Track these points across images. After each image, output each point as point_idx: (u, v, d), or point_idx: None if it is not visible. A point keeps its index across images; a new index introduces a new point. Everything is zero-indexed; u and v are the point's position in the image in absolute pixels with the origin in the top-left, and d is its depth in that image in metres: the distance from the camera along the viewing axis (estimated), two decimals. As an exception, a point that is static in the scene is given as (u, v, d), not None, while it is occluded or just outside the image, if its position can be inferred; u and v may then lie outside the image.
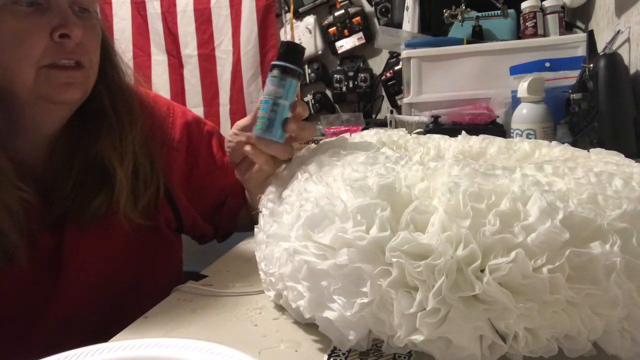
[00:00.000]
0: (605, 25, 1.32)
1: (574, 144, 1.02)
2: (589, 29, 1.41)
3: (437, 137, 0.73)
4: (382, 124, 1.77)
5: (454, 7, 1.49)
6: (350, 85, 2.24)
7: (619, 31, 1.14)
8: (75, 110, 0.74)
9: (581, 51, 1.26)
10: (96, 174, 0.74)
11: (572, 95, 1.08)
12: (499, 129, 1.20)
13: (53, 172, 0.74)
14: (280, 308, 0.56)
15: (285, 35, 2.33)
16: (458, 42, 1.43)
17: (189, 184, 0.89)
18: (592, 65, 1.00)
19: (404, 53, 1.43)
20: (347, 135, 0.69)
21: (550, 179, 0.47)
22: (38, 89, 0.68)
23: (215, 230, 0.95)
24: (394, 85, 2.12)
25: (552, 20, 1.44)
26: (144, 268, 0.82)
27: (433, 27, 1.68)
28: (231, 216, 0.93)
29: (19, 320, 0.73)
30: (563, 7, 1.46)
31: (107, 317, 0.73)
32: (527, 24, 1.44)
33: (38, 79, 0.67)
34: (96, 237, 0.76)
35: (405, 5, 1.77)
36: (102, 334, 0.50)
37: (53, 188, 0.73)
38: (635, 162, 0.55)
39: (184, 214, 0.88)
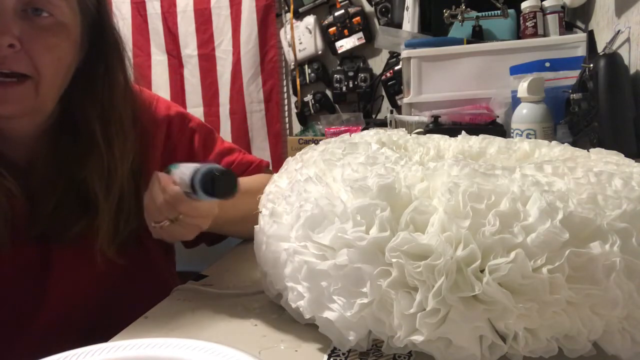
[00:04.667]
0: (605, 25, 1.32)
1: (574, 144, 1.02)
2: (589, 29, 1.41)
3: (437, 137, 0.73)
4: (382, 124, 1.77)
5: (454, 7, 1.49)
6: (350, 85, 2.24)
7: (619, 31, 1.13)
8: (62, 124, 0.70)
9: (581, 51, 1.26)
10: (79, 199, 0.70)
11: (572, 95, 1.08)
12: (499, 129, 1.20)
13: (36, 180, 0.71)
14: (280, 308, 0.56)
15: (285, 35, 2.33)
16: (458, 42, 1.43)
17: None
18: (592, 65, 1.00)
19: (404, 53, 1.43)
20: (347, 135, 0.69)
21: (550, 179, 0.47)
22: None
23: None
24: (394, 85, 2.12)
25: (552, 20, 1.44)
26: (130, 279, 0.78)
27: (433, 27, 1.68)
28: None
29: (2, 329, 0.71)
30: (563, 7, 1.46)
31: (93, 325, 0.71)
32: (527, 24, 1.44)
33: None
34: (81, 253, 0.72)
35: (405, 5, 1.77)
36: (88, 342, 0.49)
37: (36, 199, 0.70)
38: (635, 162, 0.55)
39: None
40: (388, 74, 2.14)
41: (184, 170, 0.56)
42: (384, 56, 2.23)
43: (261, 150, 2.44)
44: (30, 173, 0.71)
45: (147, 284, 0.78)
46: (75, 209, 0.70)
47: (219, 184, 0.52)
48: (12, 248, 0.68)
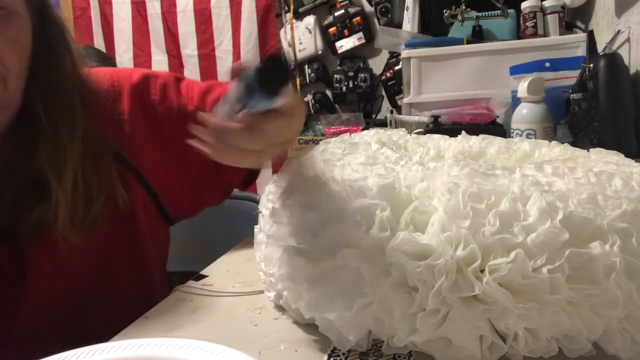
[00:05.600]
0: (605, 25, 1.32)
1: (574, 144, 1.02)
2: (589, 29, 1.41)
3: (437, 137, 0.73)
4: (382, 124, 1.78)
5: (454, 7, 1.49)
6: (350, 85, 2.24)
7: (619, 31, 1.14)
8: (17, 115, 0.68)
9: (581, 51, 1.26)
10: (35, 187, 0.67)
11: (572, 95, 1.08)
12: (499, 129, 1.20)
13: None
14: (280, 308, 0.56)
15: (285, 35, 2.33)
16: (458, 42, 1.43)
17: (166, 152, 0.76)
18: (592, 65, 1.00)
19: (404, 53, 1.43)
20: (347, 135, 0.69)
21: (550, 179, 0.47)
22: None
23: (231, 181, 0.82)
24: (394, 85, 2.12)
25: (552, 20, 1.44)
26: (113, 271, 0.75)
27: (433, 27, 1.68)
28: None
29: None
30: (563, 7, 1.46)
31: (77, 325, 0.70)
32: (527, 24, 1.44)
33: None
34: (53, 247, 0.68)
35: (405, 5, 1.77)
36: (74, 343, 0.48)
37: None
38: (635, 162, 0.55)
39: (162, 193, 0.77)
40: (388, 74, 2.14)
41: (226, 96, 0.50)
42: (384, 56, 2.23)
43: (261, 150, 2.44)
44: None
45: (130, 275, 0.75)
46: (31, 198, 0.67)
47: (275, 72, 0.47)
48: None
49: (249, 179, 0.83)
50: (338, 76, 2.25)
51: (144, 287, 0.79)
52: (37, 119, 0.67)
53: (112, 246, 0.73)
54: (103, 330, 0.55)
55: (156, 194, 0.77)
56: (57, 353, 0.44)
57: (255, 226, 0.61)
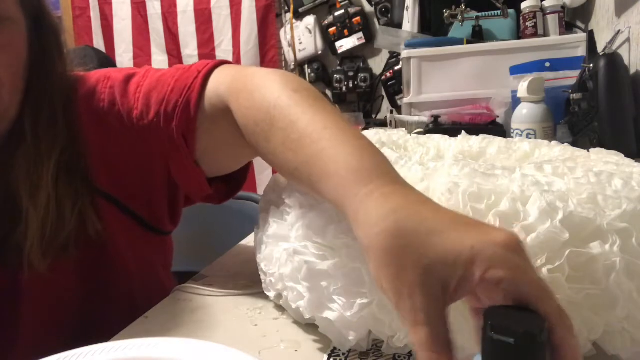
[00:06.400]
0: (605, 25, 1.32)
1: (574, 144, 1.02)
2: (589, 29, 1.41)
3: (437, 137, 0.73)
4: (382, 124, 1.78)
5: (454, 7, 1.49)
6: (350, 85, 2.24)
7: (619, 31, 1.14)
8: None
9: (581, 51, 1.26)
10: (7, 209, 0.62)
11: (572, 95, 1.08)
12: (499, 129, 1.20)
13: None
14: (280, 308, 0.56)
15: (285, 35, 2.33)
16: (458, 42, 1.43)
17: (128, 166, 0.67)
18: (592, 65, 1.00)
19: (404, 53, 1.43)
20: (347, 135, 0.68)
21: (550, 179, 0.47)
22: None
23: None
24: (394, 85, 2.12)
25: (552, 20, 1.44)
26: (101, 288, 0.70)
27: (433, 27, 1.68)
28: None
29: None
30: (563, 7, 1.46)
31: (77, 327, 0.67)
32: (527, 24, 1.44)
33: None
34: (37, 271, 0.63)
35: (405, 5, 1.77)
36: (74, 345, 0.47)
37: None
38: (635, 162, 0.55)
39: (139, 211, 0.69)
40: (388, 74, 2.14)
41: None
42: (384, 56, 2.23)
43: (261, 150, 2.44)
44: None
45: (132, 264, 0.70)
46: (6, 218, 0.61)
47: None
48: None
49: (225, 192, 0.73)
50: (338, 76, 2.25)
51: (144, 292, 0.74)
52: (20, 131, 0.62)
53: (91, 270, 0.68)
54: (103, 332, 0.54)
55: (134, 212, 0.69)
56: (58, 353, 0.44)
57: (255, 226, 0.61)
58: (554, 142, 0.67)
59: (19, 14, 0.61)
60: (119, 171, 0.66)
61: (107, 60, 1.89)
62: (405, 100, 1.44)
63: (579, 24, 1.55)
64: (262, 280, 0.58)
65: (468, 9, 1.49)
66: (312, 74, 2.31)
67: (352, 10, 2.21)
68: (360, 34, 2.22)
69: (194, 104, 0.61)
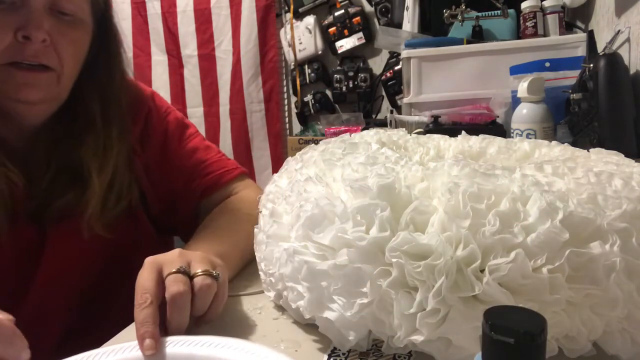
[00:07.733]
0: (605, 25, 1.32)
1: (574, 144, 1.02)
2: (589, 29, 1.41)
3: (437, 137, 0.73)
4: (382, 124, 1.77)
5: (454, 7, 1.49)
6: (350, 85, 2.24)
7: (619, 31, 1.14)
8: (65, 108, 0.75)
9: (581, 51, 1.26)
10: (71, 175, 0.74)
11: (572, 95, 1.08)
12: (499, 129, 1.20)
13: (34, 162, 0.75)
14: (280, 308, 0.56)
15: (285, 35, 2.33)
16: (458, 42, 1.43)
17: (152, 175, 0.86)
18: (592, 65, 1.00)
19: (404, 53, 1.43)
20: (347, 135, 0.69)
21: (550, 179, 0.47)
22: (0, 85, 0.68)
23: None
24: (394, 85, 2.12)
25: (552, 20, 1.44)
26: (122, 257, 0.80)
27: (433, 27, 1.68)
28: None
29: None
30: (563, 7, 1.46)
31: (87, 300, 0.77)
32: (527, 24, 1.44)
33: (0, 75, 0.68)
34: (73, 230, 0.75)
35: (405, 5, 1.77)
36: (81, 317, 0.51)
37: (32, 179, 0.74)
38: (635, 162, 0.55)
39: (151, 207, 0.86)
40: (388, 74, 2.14)
41: None
42: (384, 56, 2.23)
43: (261, 150, 2.44)
44: (30, 157, 0.75)
45: (139, 260, 0.79)
46: (65, 184, 0.74)
47: None
48: (10, 231, 0.71)
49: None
50: (338, 76, 2.25)
51: None
52: (89, 117, 0.76)
53: (124, 241, 0.80)
54: (109, 314, 0.57)
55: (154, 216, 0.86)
56: (56, 339, 0.45)
57: (255, 226, 0.61)
58: (554, 142, 0.67)
59: (89, 18, 0.75)
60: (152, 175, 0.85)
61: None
62: (405, 100, 1.44)
63: (579, 24, 1.55)
64: (262, 280, 0.58)
65: (468, 9, 1.49)
66: (312, 74, 2.31)
67: (352, 10, 2.21)
68: (360, 34, 2.22)
69: (236, 172, 0.89)
